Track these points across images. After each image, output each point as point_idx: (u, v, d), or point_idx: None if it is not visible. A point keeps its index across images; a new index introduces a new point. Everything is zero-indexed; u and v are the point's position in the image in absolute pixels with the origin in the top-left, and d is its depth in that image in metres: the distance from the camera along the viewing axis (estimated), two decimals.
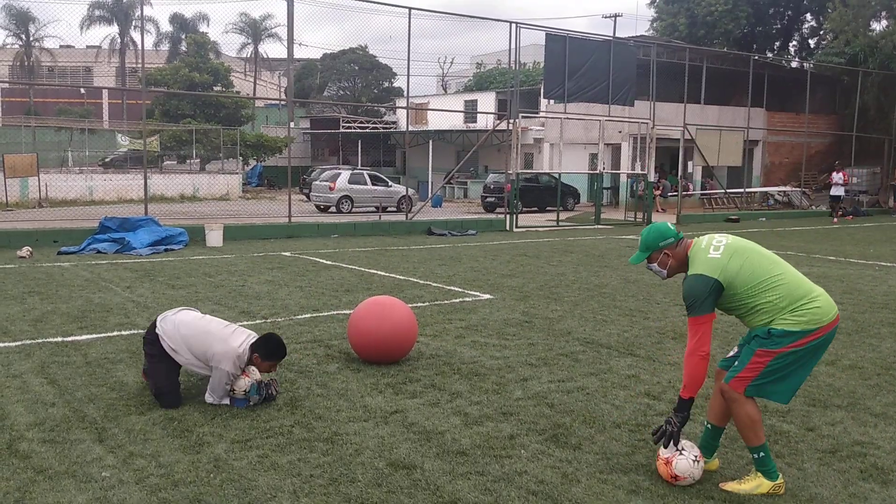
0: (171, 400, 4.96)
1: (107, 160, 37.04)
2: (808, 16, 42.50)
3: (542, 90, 25.82)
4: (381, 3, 19.33)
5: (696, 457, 3.88)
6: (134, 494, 3.69)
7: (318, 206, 27.38)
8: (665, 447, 3.88)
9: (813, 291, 3.75)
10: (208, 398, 5.01)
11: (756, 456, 3.84)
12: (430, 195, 26.82)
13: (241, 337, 5.08)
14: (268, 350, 5.01)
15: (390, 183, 29.11)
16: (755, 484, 3.81)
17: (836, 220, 25.18)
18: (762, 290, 3.70)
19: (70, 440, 4.36)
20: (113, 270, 11.23)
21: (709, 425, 4.09)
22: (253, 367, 5.07)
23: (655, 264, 3.98)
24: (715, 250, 3.79)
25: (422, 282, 10.53)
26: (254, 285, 9.95)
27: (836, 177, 26.11)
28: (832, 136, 34.75)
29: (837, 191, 26.01)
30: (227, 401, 4.99)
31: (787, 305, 3.68)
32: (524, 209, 25.85)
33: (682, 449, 3.89)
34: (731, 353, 4.03)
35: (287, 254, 13.71)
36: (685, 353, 3.79)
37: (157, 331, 5.11)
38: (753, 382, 3.75)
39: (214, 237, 14.97)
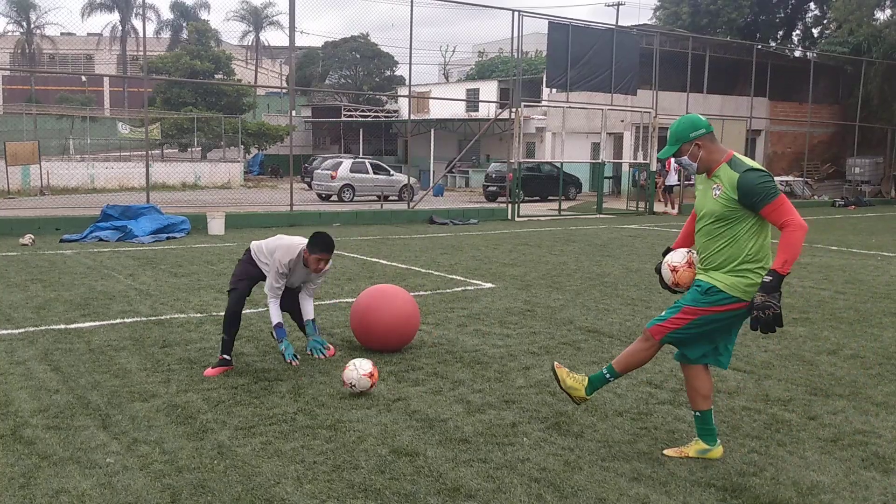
0: (234, 298, 5.55)
1: None
2: (812, 5, 42.28)
3: (544, 79, 25.75)
4: None
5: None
6: (138, 480, 3.71)
7: (319, 195, 27.36)
8: (771, 332, 3.80)
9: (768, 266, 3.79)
10: (268, 301, 5.53)
11: (603, 378, 4.14)
12: (431, 184, 26.78)
13: (303, 242, 5.60)
14: (312, 241, 5.43)
15: (392, 172, 29.07)
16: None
17: None
18: (756, 235, 3.80)
19: (74, 426, 4.38)
20: (115, 258, 11.24)
21: (697, 413, 4.10)
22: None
23: (685, 157, 3.90)
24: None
25: (424, 270, 10.53)
26: None
27: None
28: (835, 125, 34.64)
29: None
30: (274, 307, 5.46)
31: (753, 263, 3.78)
32: (526, 198, 25.84)
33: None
34: None
35: None
36: (786, 230, 3.68)
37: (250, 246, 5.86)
38: (672, 334, 3.92)
39: (216, 225, 14.98)
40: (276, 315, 5.49)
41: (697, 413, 4.09)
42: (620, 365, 4.09)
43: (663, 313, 4.02)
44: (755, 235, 3.81)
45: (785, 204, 3.73)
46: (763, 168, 3.81)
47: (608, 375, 4.12)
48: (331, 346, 5.91)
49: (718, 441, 4.12)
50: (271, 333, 5.75)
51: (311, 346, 5.64)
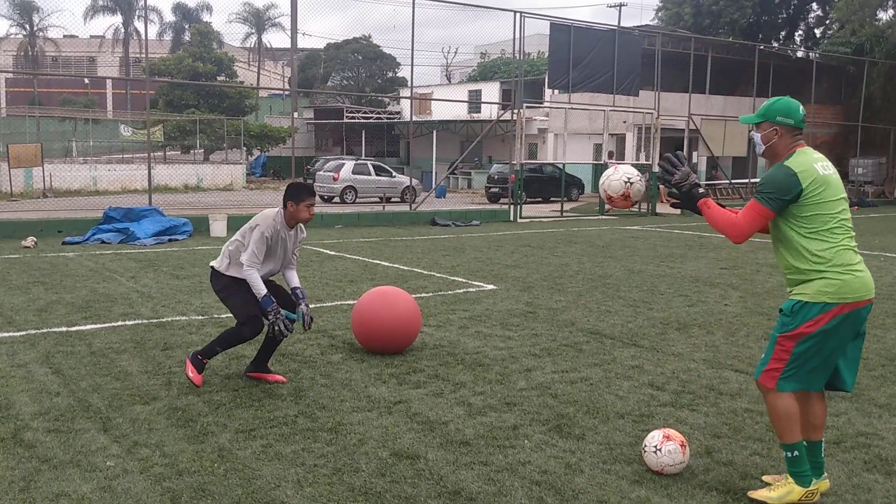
0: (255, 325, 5.05)
1: None
2: (814, 5, 42.24)
3: (546, 80, 25.74)
4: None
5: (655, 447, 3.88)
6: (138, 483, 3.70)
7: (321, 197, 27.36)
8: (666, 180, 3.76)
9: (856, 266, 3.50)
10: (246, 271, 4.98)
11: (789, 454, 3.59)
12: (433, 186, 26.78)
13: (277, 209, 5.24)
14: (294, 192, 5.07)
15: (394, 173, 29.08)
16: (785, 490, 3.57)
17: None
18: (818, 236, 3.48)
19: (75, 430, 4.38)
20: (117, 260, 11.25)
21: (804, 443, 3.66)
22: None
23: (760, 134, 3.67)
24: (824, 169, 3.54)
25: (425, 272, 10.53)
26: None
27: None
28: (838, 126, 34.59)
29: None
30: (256, 277, 4.97)
31: (824, 264, 3.46)
32: (528, 200, 25.82)
33: (645, 446, 3.94)
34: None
35: None
36: (736, 215, 3.59)
37: (211, 265, 5.32)
38: (783, 375, 3.52)
39: (218, 227, 14.99)
40: (261, 285, 4.98)
41: (793, 452, 3.59)
42: (780, 434, 3.61)
43: (763, 354, 3.65)
44: (814, 235, 3.49)
45: (751, 207, 3.56)
46: (795, 171, 3.48)
47: (787, 453, 3.62)
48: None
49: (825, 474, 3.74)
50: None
51: (300, 314, 5.15)
